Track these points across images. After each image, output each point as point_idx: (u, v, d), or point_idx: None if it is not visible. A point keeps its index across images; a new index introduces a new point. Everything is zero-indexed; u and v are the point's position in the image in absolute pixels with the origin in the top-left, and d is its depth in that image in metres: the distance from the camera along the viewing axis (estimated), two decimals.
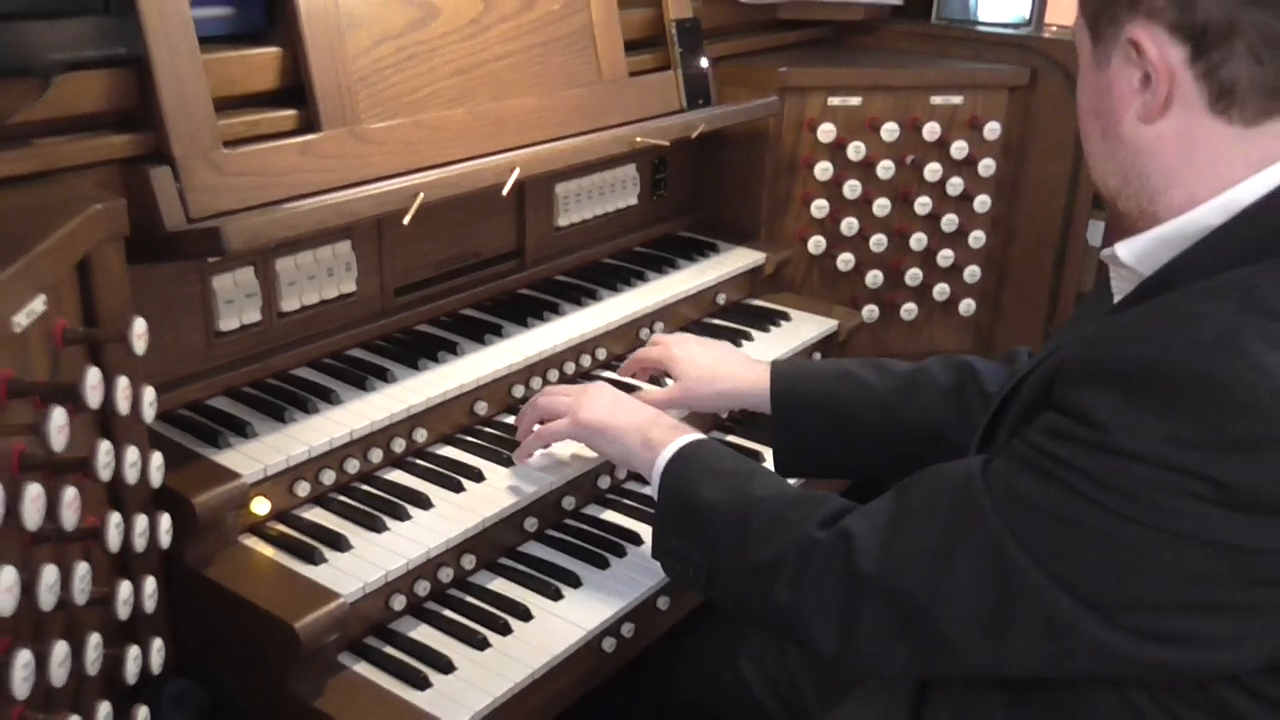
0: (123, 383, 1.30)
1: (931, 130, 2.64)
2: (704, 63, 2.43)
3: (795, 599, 1.35)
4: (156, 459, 1.41)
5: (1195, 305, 1.15)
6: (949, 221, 2.72)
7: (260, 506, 1.65)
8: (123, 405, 1.30)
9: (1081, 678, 1.23)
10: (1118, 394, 1.13)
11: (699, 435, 1.65)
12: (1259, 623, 1.13)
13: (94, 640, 1.23)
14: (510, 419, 1.99)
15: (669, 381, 2.00)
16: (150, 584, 1.39)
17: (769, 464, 1.88)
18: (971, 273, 2.80)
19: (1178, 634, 1.14)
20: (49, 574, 1.13)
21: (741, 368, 1.94)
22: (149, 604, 1.39)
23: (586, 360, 2.16)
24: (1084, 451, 1.15)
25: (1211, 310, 1.13)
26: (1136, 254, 1.28)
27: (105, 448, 1.25)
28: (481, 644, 1.60)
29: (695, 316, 2.43)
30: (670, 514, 1.57)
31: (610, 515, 1.92)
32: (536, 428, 1.81)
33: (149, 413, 1.38)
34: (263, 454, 1.65)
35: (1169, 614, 1.14)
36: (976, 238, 2.76)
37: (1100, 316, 1.33)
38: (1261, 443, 1.07)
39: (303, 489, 1.70)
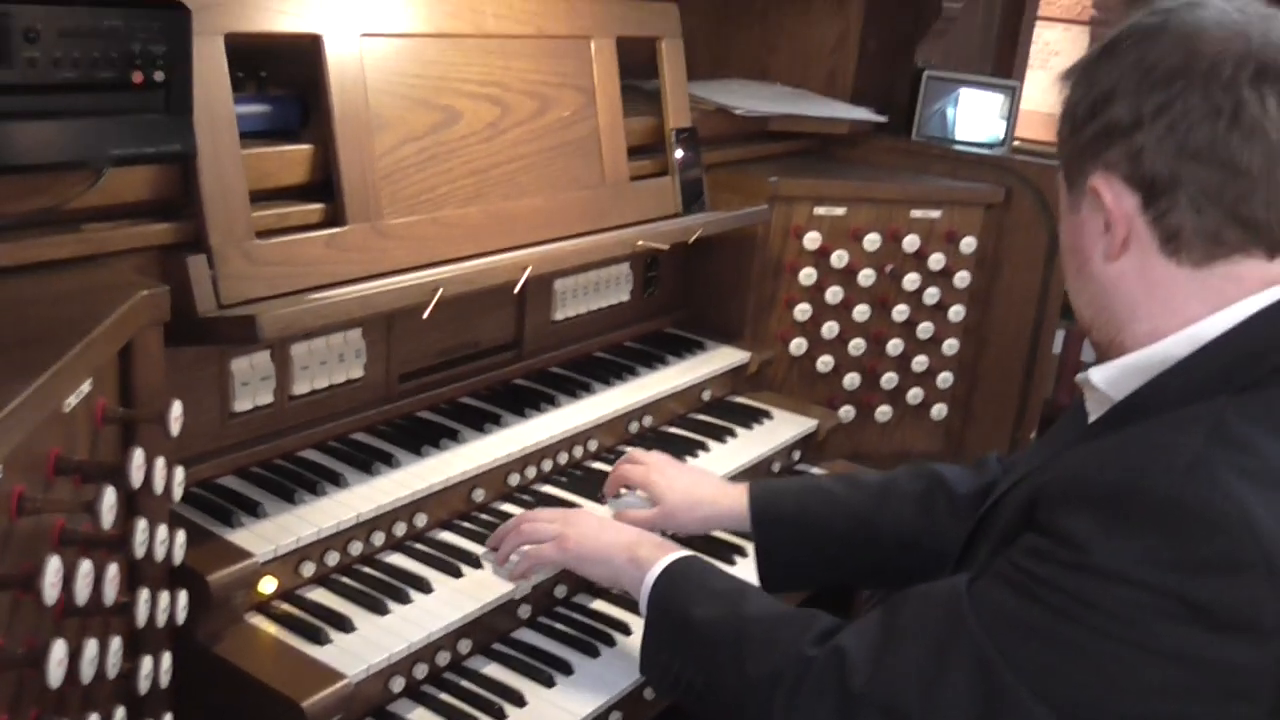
0: (160, 463, 1.35)
1: (911, 242, 2.77)
2: (700, 170, 2.54)
3: (790, 715, 1.40)
4: (180, 537, 1.46)
5: (1168, 435, 1.25)
6: (924, 329, 2.84)
7: (267, 585, 1.70)
8: (158, 485, 1.35)
9: None
10: (1096, 517, 1.21)
11: (686, 552, 1.70)
12: None
13: (120, 714, 1.27)
14: (506, 506, 2.05)
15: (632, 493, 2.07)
16: (167, 660, 1.43)
17: (750, 560, 1.95)
18: (944, 378, 2.91)
19: None
20: (90, 648, 1.18)
21: (719, 491, 2.00)
22: (164, 679, 1.43)
23: (579, 451, 2.23)
24: (1065, 572, 1.22)
25: (1184, 441, 1.22)
26: (1108, 380, 1.38)
27: (142, 526, 1.30)
28: None
29: (682, 411, 2.52)
30: (661, 630, 1.61)
31: (600, 604, 1.98)
32: (525, 548, 1.84)
33: (178, 492, 1.43)
34: (273, 534, 1.70)
35: None
36: (950, 345, 2.89)
37: (1076, 437, 1.42)
38: (1234, 566, 1.15)
39: (308, 569, 1.75)
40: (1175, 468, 1.19)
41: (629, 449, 2.31)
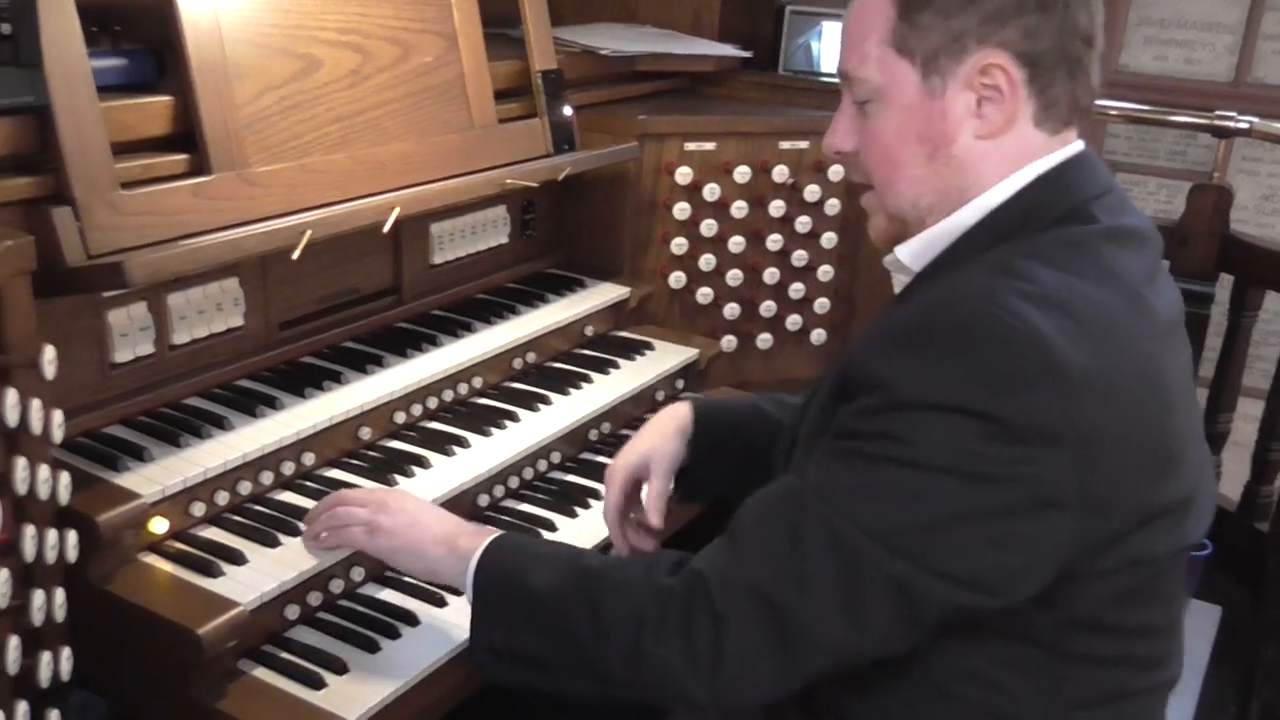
0: (35, 404, 1.40)
1: (780, 173, 2.88)
2: (568, 110, 2.61)
3: (662, 650, 1.39)
4: (65, 478, 1.50)
5: (958, 279, 1.37)
6: (799, 257, 2.95)
7: (158, 526, 1.75)
8: (35, 425, 1.40)
9: (938, 644, 1.36)
10: (898, 354, 1.32)
11: (505, 533, 1.65)
12: (1054, 546, 1.30)
13: (14, 642, 1.33)
14: (394, 443, 2.12)
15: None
16: (60, 594, 1.49)
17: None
18: (821, 304, 3.03)
19: (992, 570, 1.30)
20: None
21: (669, 420, 1.92)
22: (59, 613, 1.48)
23: (464, 389, 2.30)
24: (879, 416, 1.32)
25: (970, 278, 1.36)
26: (912, 254, 1.49)
27: (22, 464, 1.35)
28: (373, 647, 1.73)
29: (565, 348, 2.60)
30: (494, 609, 1.54)
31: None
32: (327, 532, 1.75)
33: (58, 434, 1.48)
34: (160, 476, 1.74)
35: (982, 552, 1.29)
36: (825, 272, 3.00)
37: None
38: (1028, 378, 1.26)
39: (198, 509, 1.80)
40: (968, 299, 1.32)
41: (516, 384, 2.39)
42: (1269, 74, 5.05)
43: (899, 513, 1.30)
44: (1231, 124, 3.34)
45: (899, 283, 1.55)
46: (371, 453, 2.09)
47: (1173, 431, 1.40)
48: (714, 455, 1.91)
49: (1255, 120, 3.34)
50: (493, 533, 1.63)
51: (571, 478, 2.27)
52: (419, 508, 1.73)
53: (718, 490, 1.99)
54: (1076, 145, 1.49)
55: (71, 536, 1.52)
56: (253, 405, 1.95)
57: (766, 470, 1.87)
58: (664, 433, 1.89)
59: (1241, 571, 3.14)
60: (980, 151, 1.44)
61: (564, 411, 2.33)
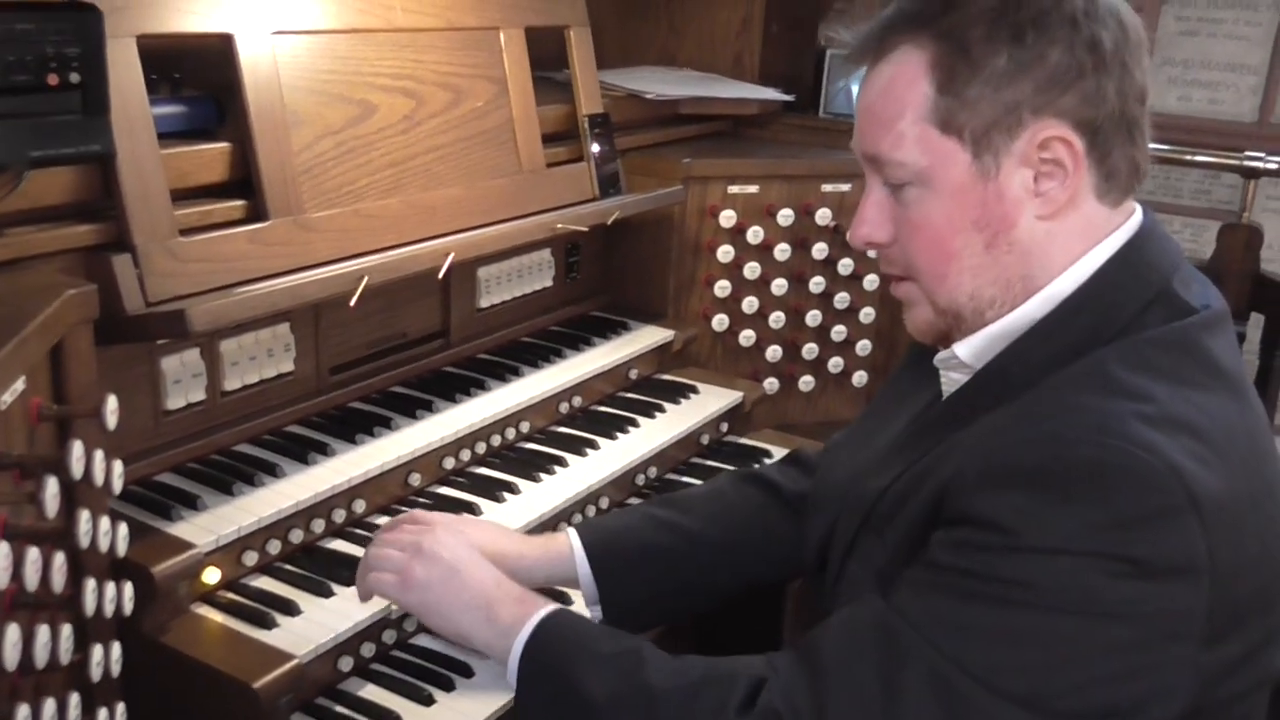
0: (98, 455, 1.38)
1: (823, 215, 2.86)
2: (614, 154, 2.61)
3: None
4: (123, 529, 1.48)
5: (1064, 399, 1.25)
6: (841, 299, 2.93)
7: (211, 576, 1.73)
8: (98, 477, 1.38)
9: None
10: (1022, 495, 1.20)
11: (552, 606, 1.49)
12: (1178, 677, 1.22)
13: (74, 700, 1.30)
14: (443, 489, 2.10)
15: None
16: (116, 649, 1.46)
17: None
18: (863, 346, 3.01)
19: (1108, 705, 1.20)
20: (43, 634, 1.21)
21: (524, 545, 1.73)
22: (115, 668, 1.46)
23: (511, 433, 2.28)
24: (1000, 559, 1.20)
25: (1082, 402, 1.23)
26: (974, 351, 1.38)
27: (85, 517, 1.33)
28: (427, 700, 1.70)
29: (610, 391, 2.58)
30: (541, 704, 1.42)
31: None
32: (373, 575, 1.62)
33: (118, 485, 1.46)
34: (214, 525, 1.73)
35: (1100, 688, 1.19)
36: (866, 314, 2.98)
37: (940, 416, 1.42)
38: (1166, 514, 1.17)
39: (250, 558, 1.78)
40: (1087, 430, 1.20)
41: (562, 429, 2.37)
42: None
43: (1016, 655, 1.20)
44: (1260, 164, 3.33)
45: (951, 381, 1.44)
46: (421, 499, 2.07)
47: None
48: (629, 586, 1.72)
49: None
50: (536, 605, 1.48)
51: None
52: (457, 557, 1.55)
53: (643, 615, 1.76)
54: (1138, 215, 1.39)
55: (128, 589, 1.50)
56: (305, 452, 1.94)
57: (689, 584, 1.76)
58: (498, 562, 1.62)
59: None
60: (1044, 234, 1.32)
61: (612, 456, 2.30)
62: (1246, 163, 3.39)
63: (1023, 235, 1.33)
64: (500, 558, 1.65)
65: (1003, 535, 1.21)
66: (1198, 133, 5.09)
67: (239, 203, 1.86)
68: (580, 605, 1.76)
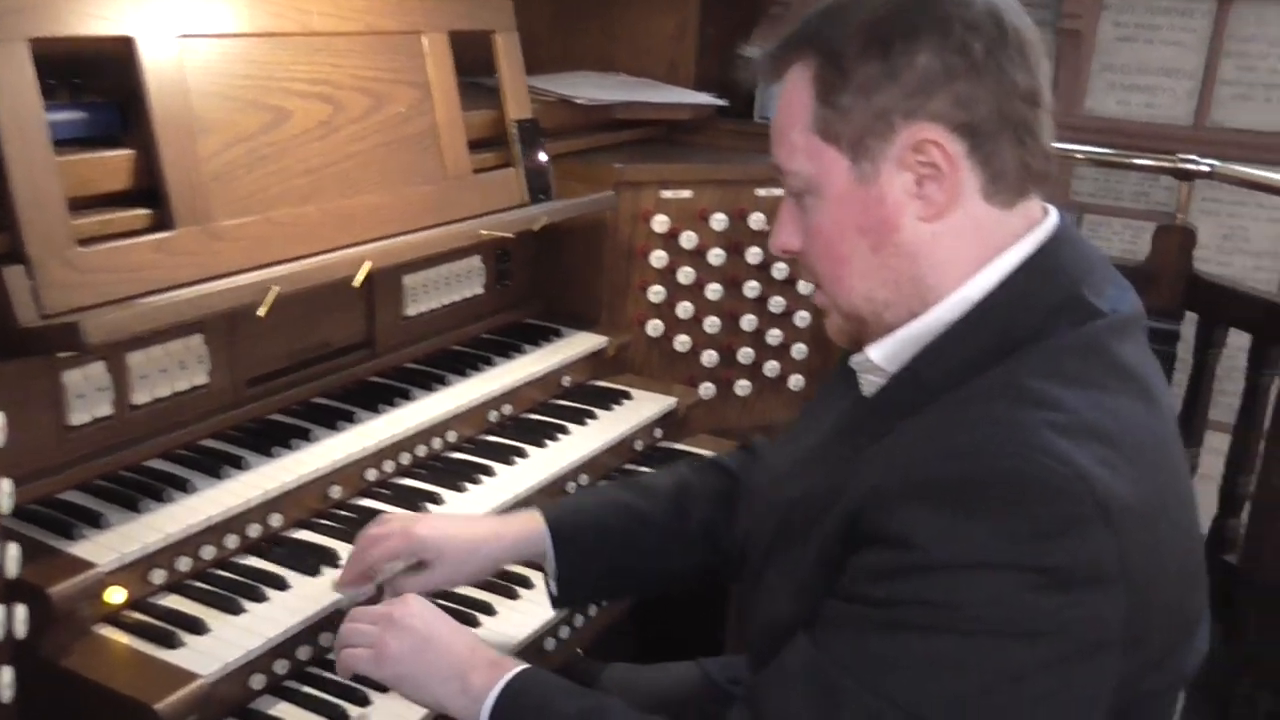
0: None
1: (757, 219, 2.84)
2: (543, 159, 2.58)
3: None
4: (13, 550, 1.44)
5: (975, 410, 1.26)
6: (776, 303, 2.91)
7: (116, 595, 1.67)
8: None
9: None
10: (935, 511, 1.20)
11: (521, 667, 1.48)
12: (1105, 685, 1.23)
13: None
14: (366, 501, 2.06)
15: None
16: (8, 674, 1.41)
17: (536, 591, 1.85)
18: (799, 350, 2.99)
19: None
20: None
21: (498, 524, 1.81)
22: (5, 694, 1.41)
23: (438, 443, 2.24)
24: (916, 580, 1.20)
25: (994, 413, 1.24)
26: (886, 355, 1.39)
27: None
28: (341, 717, 1.65)
29: (542, 399, 2.54)
30: None
31: (463, 589, 1.99)
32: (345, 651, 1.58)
33: (7, 504, 1.41)
34: (118, 544, 1.67)
35: (1034, 707, 1.19)
36: (802, 318, 2.96)
37: (858, 421, 1.42)
38: (1076, 522, 1.17)
39: (159, 576, 1.73)
40: (1002, 443, 1.20)
41: (492, 437, 2.34)
42: (1227, 117, 5.12)
43: (945, 685, 1.19)
44: (1193, 166, 3.37)
45: (870, 384, 1.44)
46: (342, 512, 2.02)
47: (1194, 538, 1.35)
48: (583, 560, 1.78)
49: (1216, 163, 3.38)
50: (509, 667, 1.47)
51: None
52: (430, 626, 1.53)
53: (593, 594, 1.91)
54: (1052, 219, 1.38)
55: (20, 611, 1.44)
56: (217, 466, 1.89)
57: (642, 566, 1.82)
58: (478, 548, 1.74)
59: (1213, 605, 3.11)
60: (929, 235, 1.33)
61: (540, 465, 2.27)
62: (1180, 165, 3.42)
63: (907, 237, 1.34)
64: (478, 543, 1.74)
65: (917, 553, 1.20)
66: (1136, 136, 5.16)
67: (144, 211, 1.81)
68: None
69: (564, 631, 2.01)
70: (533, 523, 1.79)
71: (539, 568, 1.87)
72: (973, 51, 1.30)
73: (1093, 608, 1.19)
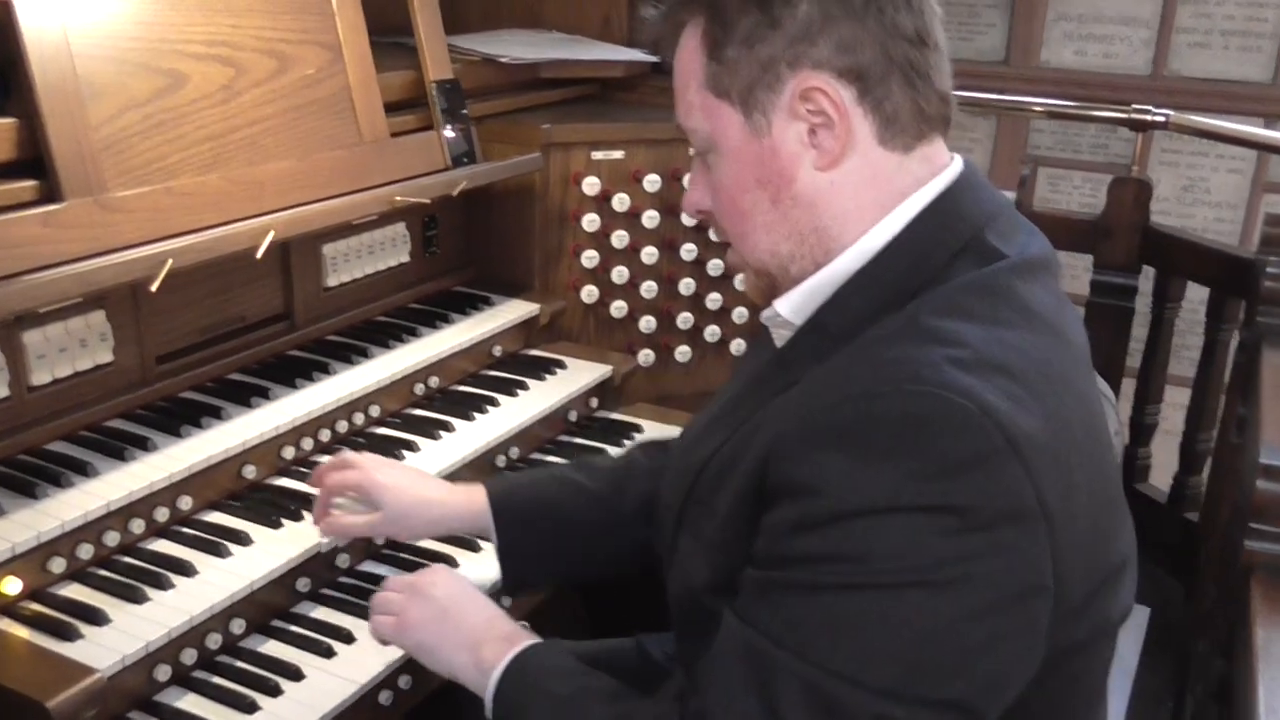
0: None
1: None
2: (466, 122, 2.49)
3: None
4: None
5: (877, 352, 1.22)
6: (714, 266, 2.85)
7: (11, 586, 1.60)
8: None
9: None
10: (840, 454, 1.16)
11: (528, 644, 1.50)
12: (1039, 633, 1.19)
13: None
14: (282, 481, 1.99)
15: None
16: None
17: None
18: (740, 314, 2.93)
19: (985, 678, 1.17)
20: None
21: (447, 490, 1.82)
22: None
23: (360, 419, 2.17)
24: (819, 533, 1.16)
25: (894, 353, 1.20)
26: (793, 307, 1.36)
27: None
28: (250, 707, 1.60)
29: (472, 369, 2.48)
30: None
31: (385, 569, 1.94)
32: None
33: None
34: (11, 532, 1.60)
35: (969, 662, 1.15)
36: (742, 280, 2.90)
37: (769, 373, 1.38)
38: (985, 457, 1.13)
39: (58, 565, 1.66)
40: (901, 381, 1.17)
41: (418, 411, 2.27)
42: (1184, 66, 5.08)
43: (874, 643, 1.15)
44: (1149, 117, 3.32)
45: (780, 336, 1.40)
46: (256, 493, 1.95)
47: (1111, 480, 1.32)
48: (526, 539, 1.77)
49: (1171, 113, 3.33)
50: (518, 641, 1.49)
51: None
52: (450, 596, 1.57)
53: (544, 576, 1.88)
54: (955, 166, 1.36)
55: None
56: (122, 448, 1.81)
57: (584, 545, 1.79)
58: (423, 508, 1.78)
59: (1172, 565, 3.10)
60: (827, 184, 1.31)
61: (468, 438, 2.21)
62: (1136, 115, 3.37)
63: (805, 188, 1.32)
64: (425, 504, 1.77)
65: (823, 501, 1.16)
66: (1093, 87, 5.11)
67: (30, 183, 1.72)
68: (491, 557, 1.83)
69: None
70: (477, 496, 1.79)
71: None
72: None
73: (1016, 549, 1.15)
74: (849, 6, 1.27)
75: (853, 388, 1.19)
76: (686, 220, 2.77)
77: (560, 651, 1.50)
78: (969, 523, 1.13)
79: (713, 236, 2.81)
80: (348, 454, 1.86)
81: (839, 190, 1.32)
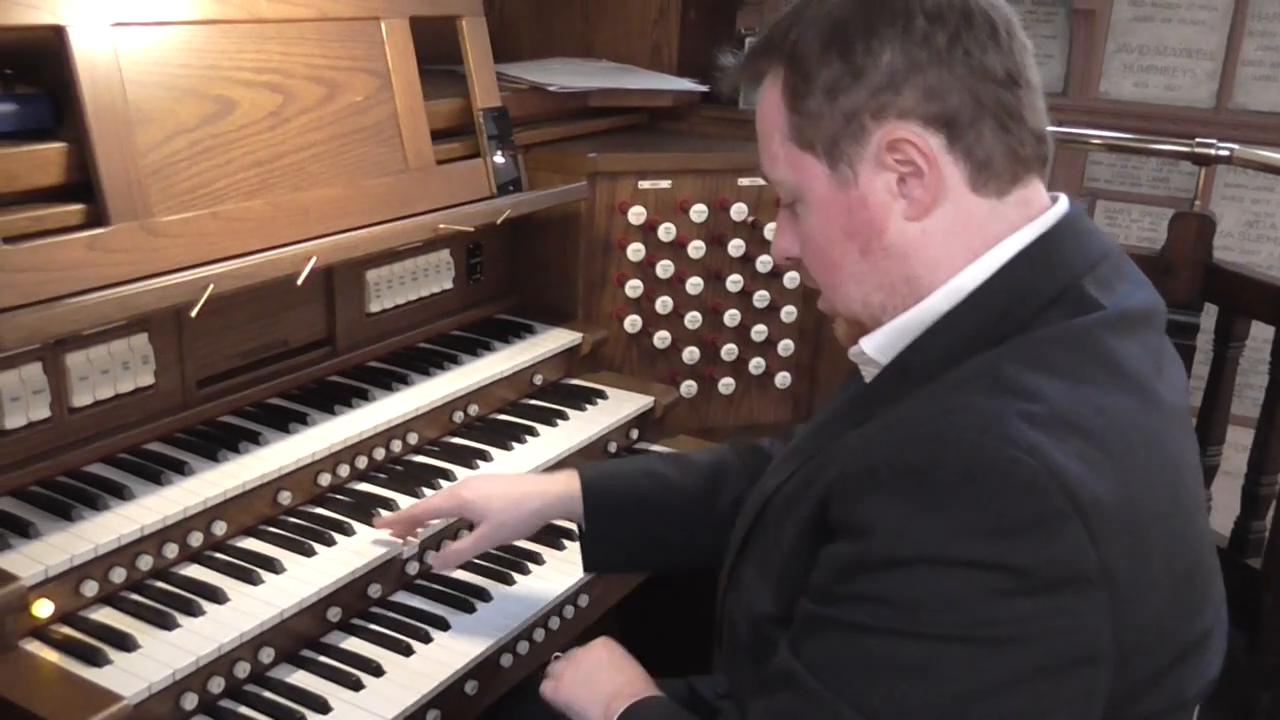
0: None
1: (739, 210, 2.75)
2: (513, 149, 2.49)
3: None
4: None
5: (948, 398, 1.20)
6: (760, 298, 2.83)
7: (43, 609, 1.61)
8: None
9: None
10: (897, 499, 1.14)
11: (639, 699, 1.54)
12: (1091, 704, 1.16)
13: None
14: (317, 509, 1.98)
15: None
16: None
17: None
18: (785, 346, 2.90)
19: None
20: None
21: (542, 481, 1.89)
22: None
23: (398, 446, 2.16)
24: (877, 577, 1.14)
25: (966, 401, 1.18)
26: (879, 347, 1.34)
27: None
28: None
29: (513, 398, 2.46)
30: None
31: (418, 601, 1.93)
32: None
33: None
34: (45, 554, 1.61)
35: None
36: (788, 312, 2.88)
37: (851, 407, 1.38)
38: (1048, 520, 1.10)
39: (90, 589, 1.66)
40: (967, 431, 1.14)
41: (456, 440, 2.26)
42: (1250, 100, 4.98)
43: (912, 693, 1.13)
44: (1212, 151, 3.24)
45: (868, 373, 1.39)
46: (292, 519, 1.95)
47: (1199, 550, 1.27)
48: (613, 527, 1.83)
49: (1236, 147, 3.24)
50: (643, 694, 1.55)
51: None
52: (599, 661, 1.64)
53: (624, 562, 1.94)
54: (1057, 209, 1.32)
55: None
56: (159, 472, 1.82)
57: (670, 539, 1.84)
58: (521, 503, 1.84)
59: (1234, 614, 3.00)
60: (918, 233, 1.29)
61: (506, 468, 2.19)
62: (1198, 149, 3.29)
63: (895, 238, 1.30)
64: (524, 499, 1.83)
65: (877, 545, 1.15)
66: (1155, 120, 5.02)
67: (77, 207, 1.73)
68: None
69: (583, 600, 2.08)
70: (572, 481, 1.84)
71: None
72: (936, 41, 1.25)
73: (1071, 615, 1.11)
74: (934, 52, 1.25)
75: (919, 431, 1.18)
76: (732, 251, 2.76)
77: (666, 705, 1.55)
78: (1024, 585, 1.10)
79: (763, 269, 2.79)
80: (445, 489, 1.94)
81: (930, 238, 1.29)
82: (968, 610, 1.11)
